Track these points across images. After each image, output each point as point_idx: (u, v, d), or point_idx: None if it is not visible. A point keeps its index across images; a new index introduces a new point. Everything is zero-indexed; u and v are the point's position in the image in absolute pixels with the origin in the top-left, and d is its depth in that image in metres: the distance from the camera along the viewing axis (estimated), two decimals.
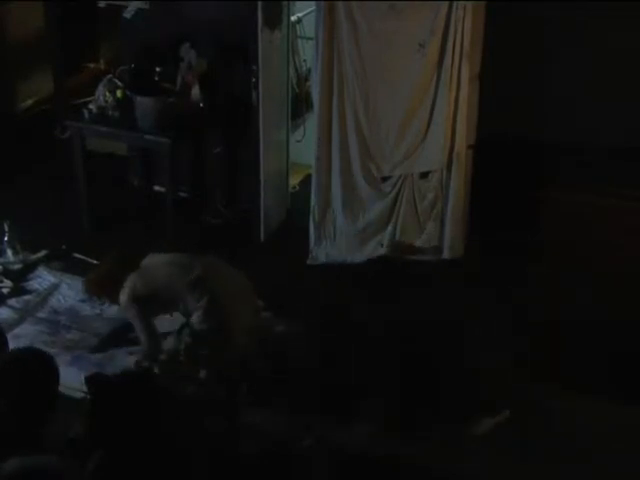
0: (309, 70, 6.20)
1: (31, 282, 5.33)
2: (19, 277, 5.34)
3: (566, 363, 4.57)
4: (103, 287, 4.48)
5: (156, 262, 4.46)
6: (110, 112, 5.66)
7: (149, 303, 4.39)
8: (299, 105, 6.26)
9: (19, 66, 7.31)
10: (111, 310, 5.06)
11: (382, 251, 5.47)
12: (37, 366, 3.02)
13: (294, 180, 6.38)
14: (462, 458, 4.03)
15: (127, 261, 4.48)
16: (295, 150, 6.22)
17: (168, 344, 4.54)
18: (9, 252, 5.41)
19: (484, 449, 4.11)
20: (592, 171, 4.96)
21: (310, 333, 4.69)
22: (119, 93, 5.68)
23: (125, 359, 4.65)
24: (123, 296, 4.36)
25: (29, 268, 5.43)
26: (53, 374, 3.05)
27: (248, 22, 5.30)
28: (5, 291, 5.21)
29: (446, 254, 5.41)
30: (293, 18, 5.98)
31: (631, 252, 4.84)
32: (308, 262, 5.58)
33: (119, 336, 4.82)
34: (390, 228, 5.41)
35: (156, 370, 4.33)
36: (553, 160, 5.06)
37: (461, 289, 5.20)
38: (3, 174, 6.34)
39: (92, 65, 7.80)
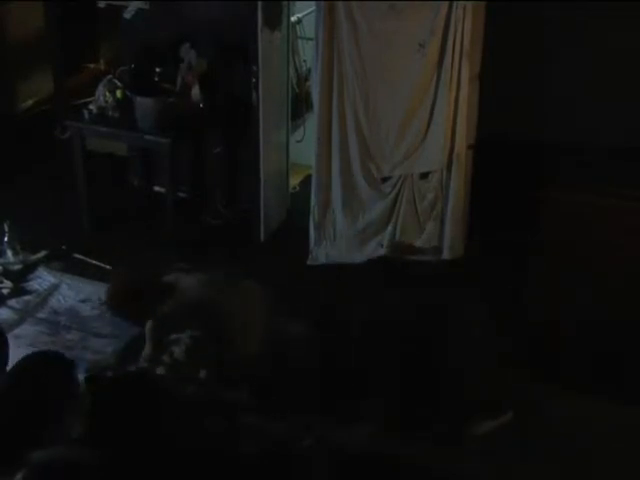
0: (309, 70, 6.20)
1: (31, 282, 5.33)
2: (19, 277, 5.34)
3: (566, 363, 4.57)
4: (126, 302, 4.37)
5: (189, 285, 4.33)
6: (110, 112, 5.67)
7: (174, 322, 4.30)
8: (299, 105, 6.26)
9: (19, 66, 7.31)
10: None
11: (382, 251, 5.47)
12: (57, 371, 3.04)
13: (294, 180, 6.38)
14: (462, 458, 4.03)
15: (141, 275, 4.43)
16: (295, 150, 6.23)
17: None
18: (9, 252, 5.41)
19: (484, 449, 4.11)
20: (592, 171, 4.95)
21: (310, 333, 4.69)
22: (119, 93, 5.68)
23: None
24: (148, 326, 4.24)
25: (29, 268, 5.43)
26: (73, 381, 3.07)
27: (248, 22, 5.31)
28: (5, 292, 5.21)
29: (446, 254, 5.40)
30: (293, 18, 5.98)
31: (631, 252, 4.83)
32: (308, 262, 5.58)
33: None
34: (390, 228, 5.41)
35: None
36: (553, 160, 5.06)
37: (461, 289, 5.19)
38: (3, 174, 6.35)
39: (92, 65, 7.79)
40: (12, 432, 2.91)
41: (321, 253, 5.58)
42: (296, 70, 6.21)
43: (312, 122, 5.61)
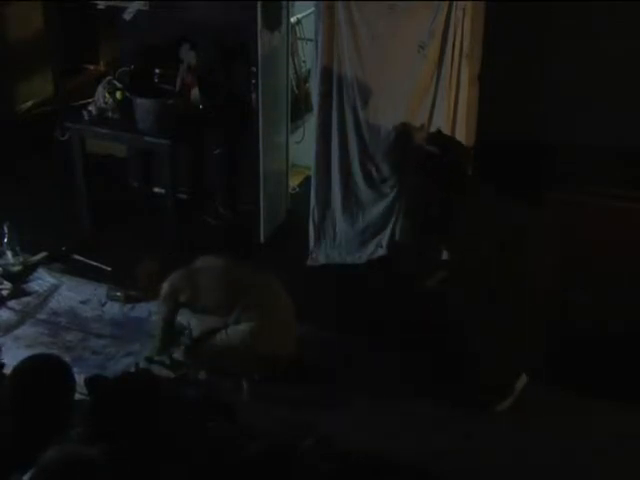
0: (309, 71, 6.21)
1: (31, 284, 5.33)
2: (19, 279, 5.34)
3: (566, 363, 4.57)
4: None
5: (210, 266, 4.45)
6: (110, 114, 5.67)
7: (188, 304, 4.41)
8: (298, 106, 6.27)
9: (19, 67, 7.31)
10: (112, 311, 5.08)
11: (382, 252, 5.47)
12: (54, 375, 3.04)
13: (294, 181, 6.39)
14: (463, 458, 4.04)
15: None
16: (295, 151, 6.23)
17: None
18: (9, 254, 5.40)
19: (484, 449, 4.11)
20: (592, 171, 4.96)
21: (310, 334, 4.70)
22: (119, 95, 5.68)
23: (125, 360, 4.66)
24: (163, 287, 4.38)
25: (29, 270, 5.42)
26: (70, 384, 3.07)
27: (248, 23, 5.31)
28: (5, 293, 5.21)
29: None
30: (293, 19, 5.99)
31: (631, 252, 4.83)
32: (308, 263, 5.58)
33: None
34: (390, 229, 5.41)
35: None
36: (553, 160, 5.07)
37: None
38: (3, 175, 6.35)
39: (92, 67, 7.82)
40: (10, 437, 2.92)
41: (321, 254, 5.57)
42: (295, 71, 6.21)
43: (312, 123, 5.61)
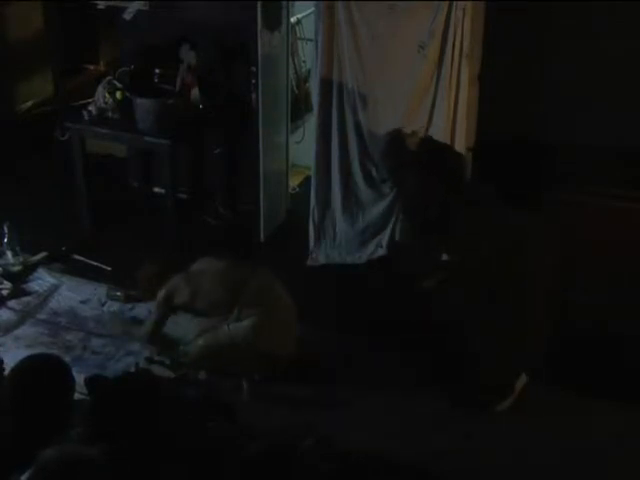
0: (309, 71, 6.22)
1: (31, 284, 5.33)
2: (19, 279, 5.34)
3: (566, 363, 4.57)
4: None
5: (208, 269, 4.48)
6: (110, 114, 5.67)
7: (186, 307, 4.45)
8: (298, 106, 6.27)
9: (19, 67, 7.32)
10: (112, 311, 5.08)
11: (382, 252, 5.47)
12: (53, 375, 3.04)
13: (294, 181, 6.39)
14: (463, 458, 4.04)
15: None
16: (295, 151, 6.23)
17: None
18: (9, 254, 5.40)
19: (484, 449, 4.11)
20: (592, 171, 4.96)
21: (310, 334, 4.69)
22: (119, 95, 5.68)
23: (125, 360, 4.66)
24: (160, 293, 4.43)
25: (29, 270, 5.42)
26: (69, 383, 3.07)
27: (248, 23, 5.31)
28: (5, 293, 5.21)
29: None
30: (293, 19, 5.99)
31: (631, 252, 4.83)
32: (308, 263, 5.58)
33: None
34: (390, 229, 5.41)
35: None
36: (553, 160, 5.07)
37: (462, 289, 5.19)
38: (3, 175, 6.35)
39: (92, 67, 7.82)
40: (10, 437, 2.92)
41: (321, 254, 5.57)
42: (295, 71, 6.21)
43: (312, 123, 5.61)
